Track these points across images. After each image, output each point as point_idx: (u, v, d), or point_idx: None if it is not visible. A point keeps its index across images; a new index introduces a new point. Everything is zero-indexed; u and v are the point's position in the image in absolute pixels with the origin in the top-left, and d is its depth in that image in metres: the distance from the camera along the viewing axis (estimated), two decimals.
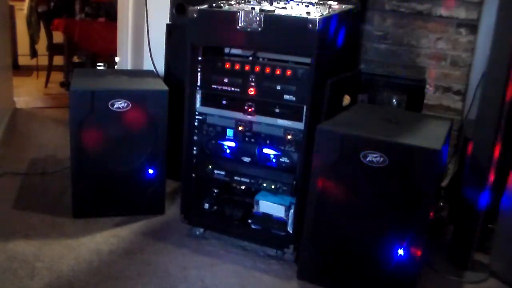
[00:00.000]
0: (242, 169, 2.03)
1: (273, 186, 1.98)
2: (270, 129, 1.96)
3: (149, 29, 2.89)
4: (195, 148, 2.10)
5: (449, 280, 1.99)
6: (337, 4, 2.11)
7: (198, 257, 2.00)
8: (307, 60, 1.83)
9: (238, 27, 1.85)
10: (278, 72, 1.89)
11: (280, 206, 2.01)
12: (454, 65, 2.49)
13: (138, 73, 2.64)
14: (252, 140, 1.99)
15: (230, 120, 2.02)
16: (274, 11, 1.86)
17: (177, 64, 2.58)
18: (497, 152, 1.95)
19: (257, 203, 2.06)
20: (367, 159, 1.68)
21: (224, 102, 2.01)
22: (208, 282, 1.84)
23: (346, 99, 2.12)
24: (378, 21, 2.59)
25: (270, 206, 2.04)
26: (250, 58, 2.00)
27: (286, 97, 1.89)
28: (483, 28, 2.41)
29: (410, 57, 2.55)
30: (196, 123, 2.07)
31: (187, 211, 2.14)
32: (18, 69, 5.49)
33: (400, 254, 1.69)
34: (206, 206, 2.16)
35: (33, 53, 5.20)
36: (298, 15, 1.81)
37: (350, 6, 2.10)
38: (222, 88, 2.00)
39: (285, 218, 2.02)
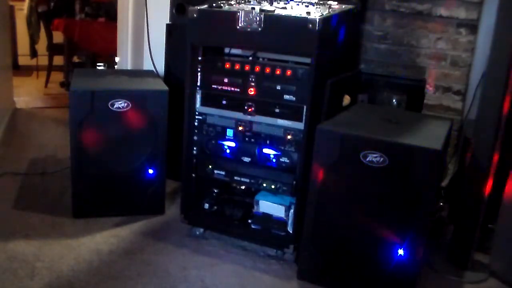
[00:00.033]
0: (242, 169, 2.03)
1: (273, 186, 1.98)
2: (270, 129, 1.96)
3: (149, 29, 2.89)
4: (195, 148, 2.10)
5: (449, 280, 1.99)
6: (337, 4, 2.11)
7: (198, 257, 2.00)
8: (307, 60, 1.83)
9: (238, 27, 1.85)
10: (278, 72, 1.89)
11: (280, 206, 2.02)
12: (454, 65, 2.49)
13: (138, 73, 2.64)
14: (252, 140, 1.99)
15: (230, 120, 2.02)
16: (274, 11, 1.86)
17: (177, 64, 2.58)
18: (497, 152, 1.95)
19: (257, 203, 2.06)
20: (367, 159, 1.68)
21: (224, 102, 2.01)
22: (208, 282, 1.84)
23: (346, 99, 2.12)
24: (378, 21, 2.59)
25: (270, 206, 2.04)
26: (250, 58, 2.00)
27: (286, 97, 1.89)
28: (483, 28, 2.42)
29: (410, 57, 2.55)
30: (196, 123, 2.07)
31: (187, 211, 2.14)
32: (18, 69, 5.49)
33: (400, 254, 1.69)
34: (206, 206, 2.16)
35: (33, 53, 5.20)
36: (298, 15, 1.81)
37: (350, 6, 2.10)
38: (222, 88, 2.00)
39: (285, 218, 2.02)
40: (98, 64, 3.70)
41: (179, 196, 2.25)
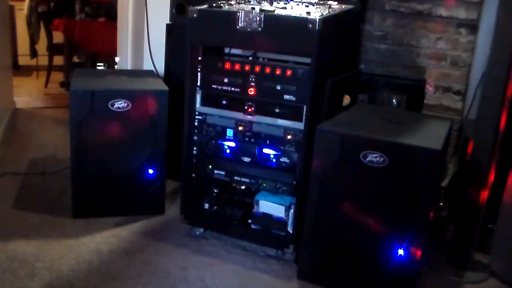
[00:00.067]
0: (242, 169, 2.03)
1: (273, 186, 1.98)
2: (270, 129, 1.96)
3: (149, 29, 2.89)
4: (195, 148, 2.10)
5: (449, 280, 1.99)
6: (337, 4, 2.11)
7: (198, 257, 2.00)
8: (307, 60, 1.83)
9: (238, 27, 1.85)
10: (278, 72, 1.89)
11: (280, 206, 2.02)
12: (454, 65, 2.49)
13: (138, 73, 2.64)
14: (252, 140, 1.99)
15: (230, 120, 2.02)
16: (274, 11, 1.86)
17: (177, 64, 2.58)
18: (497, 152, 1.95)
19: (257, 203, 2.06)
20: (367, 159, 1.68)
21: (224, 102, 2.01)
22: (208, 282, 1.84)
23: (346, 99, 2.12)
24: (378, 21, 2.59)
25: (270, 206, 2.04)
26: (250, 58, 2.00)
27: (286, 97, 1.89)
28: (483, 28, 2.42)
29: (410, 57, 2.55)
30: (196, 123, 2.07)
31: (187, 211, 2.14)
32: (18, 69, 5.49)
33: (400, 254, 1.69)
34: (206, 206, 2.16)
35: (33, 53, 5.20)
36: (298, 15, 1.81)
37: (350, 6, 2.09)
38: (222, 88, 2.00)
39: (285, 218, 2.02)
40: (98, 64, 3.70)
41: (179, 196, 2.25)
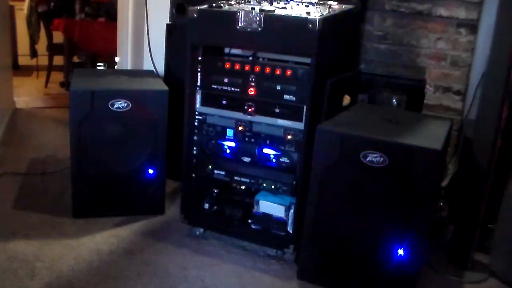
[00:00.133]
0: (242, 169, 2.03)
1: (273, 186, 1.98)
2: (270, 129, 1.96)
3: (149, 29, 2.89)
4: (195, 148, 2.10)
5: (449, 280, 1.99)
6: (337, 4, 2.11)
7: (198, 257, 2.00)
8: (307, 60, 1.83)
9: (238, 27, 1.85)
10: (278, 72, 1.89)
11: (280, 206, 2.01)
12: (454, 65, 2.49)
13: (138, 73, 2.64)
14: (252, 140, 1.99)
15: (230, 120, 2.02)
16: (274, 11, 1.86)
17: (177, 64, 2.58)
18: (497, 152, 1.95)
19: (257, 203, 2.06)
20: (367, 159, 1.68)
21: (224, 102, 2.01)
22: (208, 282, 1.84)
23: (346, 99, 2.12)
24: (378, 21, 2.59)
25: (270, 206, 2.04)
26: (250, 58, 2.00)
27: (286, 97, 1.89)
28: (483, 28, 2.42)
29: (410, 57, 2.55)
30: (196, 123, 2.07)
31: (187, 211, 2.14)
32: (18, 69, 5.49)
33: (400, 254, 1.69)
34: (206, 206, 2.16)
35: (33, 53, 5.20)
36: (298, 15, 1.81)
37: (350, 6, 2.09)
38: (222, 88, 2.00)
39: (285, 218, 2.02)
40: (98, 64, 3.69)
41: (179, 196, 2.25)
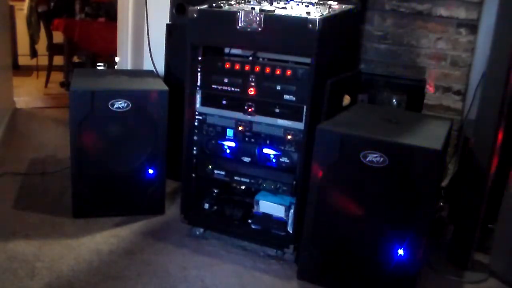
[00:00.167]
0: (242, 169, 2.03)
1: (273, 186, 1.98)
2: (270, 129, 1.96)
3: (149, 29, 2.89)
4: (195, 148, 2.10)
5: (449, 280, 1.99)
6: (337, 4, 2.11)
7: (198, 257, 2.00)
8: (307, 60, 1.83)
9: (238, 27, 1.85)
10: (278, 72, 1.89)
11: (280, 206, 2.01)
12: (454, 65, 2.49)
13: (138, 73, 2.64)
14: (252, 140, 1.99)
15: (230, 120, 2.02)
16: (274, 11, 1.86)
17: (177, 64, 2.58)
18: (497, 153, 1.95)
19: (257, 203, 2.06)
20: (367, 159, 1.68)
21: (224, 102, 2.01)
22: (208, 282, 1.84)
23: (346, 99, 2.12)
24: (378, 21, 2.59)
25: (270, 206, 2.04)
26: (250, 58, 2.00)
27: (286, 97, 1.89)
28: (483, 28, 2.42)
29: (410, 57, 2.55)
30: (196, 123, 2.07)
31: (187, 211, 2.14)
32: (18, 69, 5.49)
33: (400, 254, 1.69)
34: (206, 206, 2.16)
35: (33, 53, 5.20)
36: (298, 15, 1.81)
37: (350, 6, 2.10)
38: (222, 88, 2.00)
39: (285, 218, 2.02)
40: (98, 64, 3.70)
41: (179, 196, 2.25)
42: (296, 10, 1.91)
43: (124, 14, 3.12)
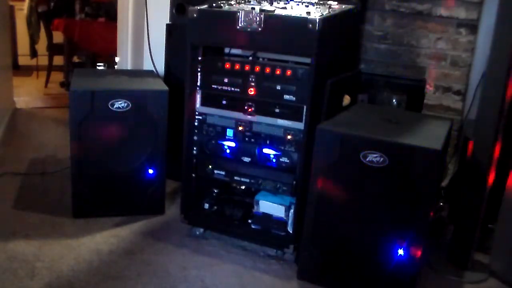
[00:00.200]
0: (242, 169, 2.03)
1: (273, 186, 1.98)
2: (270, 129, 1.96)
3: (149, 29, 2.89)
4: (195, 148, 2.10)
5: (449, 280, 1.99)
6: (337, 4, 2.11)
7: (198, 257, 2.00)
8: (307, 60, 1.83)
9: (238, 27, 1.85)
10: (278, 72, 1.89)
11: (280, 206, 2.02)
12: (454, 65, 2.49)
13: (138, 73, 2.64)
14: (252, 140, 1.99)
15: (230, 120, 2.02)
16: (274, 11, 1.86)
17: (177, 64, 2.58)
18: (497, 152, 1.95)
19: (257, 203, 2.06)
20: (367, 159, 1.68)
21: (224, 102, 2.01)
22: (208, 282, 1.84)
23: (346, 99, 2.12)
24: (378, 21, 2.59)
25: (270, 206, 2.04)
26: (250, 58, 2.00)
27: (286, 97, 1.89)
28: (483, 28, 2.42)
29: (410, 57, 2.55)
30: (196, 123, 2.07)
31: (187, 211, 2.14)
32: (18, 69, 5.49)
33: (400, 254, 1.69)
34: (206, 206, 2.16)
35: (33, 53, 5.20)
36: (298, 15, 1.81)
37: (350, 6, 2.10)
38: (222, 88, 2.00)
39: (285, 218, 2.02)
40: (98, 64, 3.70)
41: (179, 196, 2.25)
42: (296, 10, 1.91)
43: (124, 14, 3.12)
